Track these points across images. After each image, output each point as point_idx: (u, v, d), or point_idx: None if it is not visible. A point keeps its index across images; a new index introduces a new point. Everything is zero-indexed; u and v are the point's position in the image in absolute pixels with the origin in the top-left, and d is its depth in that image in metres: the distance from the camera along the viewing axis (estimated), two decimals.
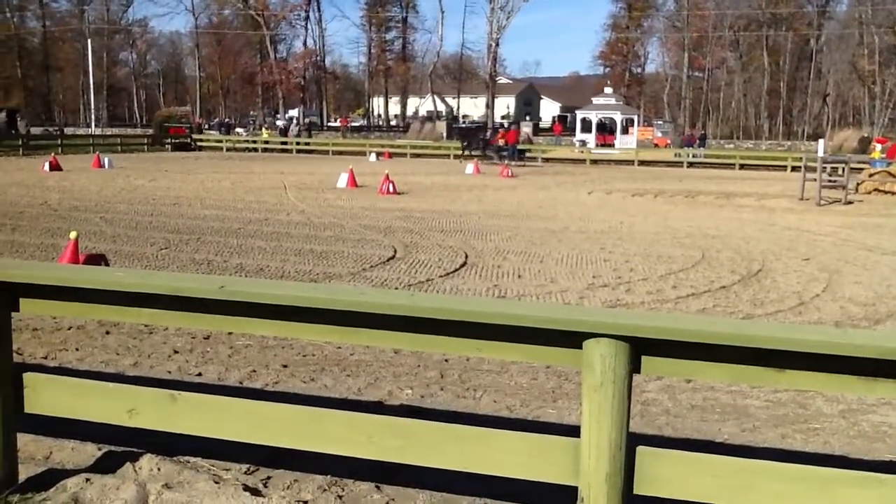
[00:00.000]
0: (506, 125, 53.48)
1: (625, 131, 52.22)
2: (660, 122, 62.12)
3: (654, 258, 11.03)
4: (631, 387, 2.62)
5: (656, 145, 51.57)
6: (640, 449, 2.69)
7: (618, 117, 52.61)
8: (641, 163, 40.54)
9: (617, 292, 8.69)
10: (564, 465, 2.75)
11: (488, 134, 43.51)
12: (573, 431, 3.05)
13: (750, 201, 20.81)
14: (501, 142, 38.92)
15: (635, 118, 55.07)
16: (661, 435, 4.51)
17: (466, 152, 38.97)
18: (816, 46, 74.23)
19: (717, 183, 27.74)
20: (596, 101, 55.74)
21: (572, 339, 2.62)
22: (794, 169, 33.27)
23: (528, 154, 40.22)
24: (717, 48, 76.31)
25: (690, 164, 40.03)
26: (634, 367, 2.61)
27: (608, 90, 57.40)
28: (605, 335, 2.55)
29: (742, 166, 38.88)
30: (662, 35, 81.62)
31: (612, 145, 49.80)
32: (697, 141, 47.72)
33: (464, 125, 48.03)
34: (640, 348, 2.59)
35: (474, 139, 40.84)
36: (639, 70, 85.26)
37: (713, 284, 9.23)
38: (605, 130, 52.60)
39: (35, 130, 53.53)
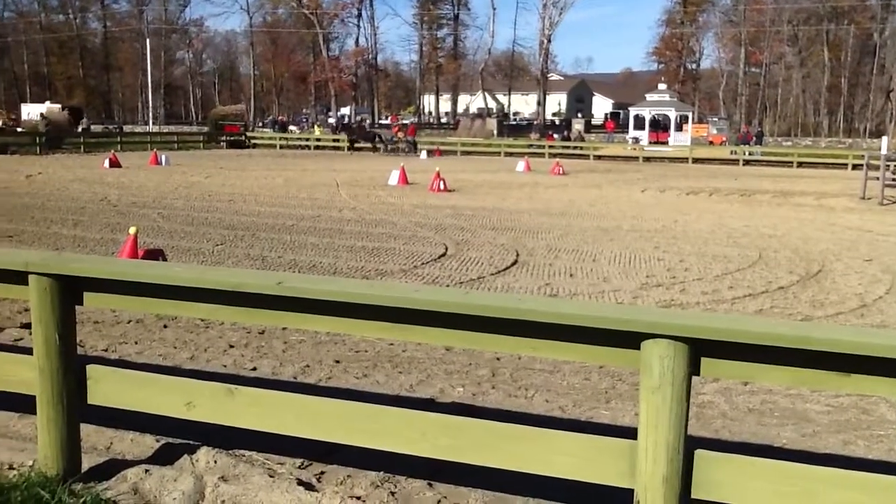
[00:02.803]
0: (407, 122, 58.35)
1: (679, 128, 51.40)
2: (715, 119, 61.00)
3: (709, 258, 10.84)
4: (690, 389, 2.57)
5: (711, 143, 50.65)
6: (699, 452, 2.65)
7: (672, 114, 51.83)
8: (696, 160, 39.89)
9: (671, 292, 8.56)
10: (620, 467, 2.72)
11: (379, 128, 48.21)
12: (627, 433, 3.01)
13: (809, 200, 20.31)
14: (401, 135, 43.99)
15: (690, 115, 54.20)
16: (717, 438, 4.43)
17: (356, 145, 42.84)
18: (879, 41, 71.98)
19: (774, 181, 27.14)
20: (649, 97, 55.03)
21: (630, 340, 2.59)
22: (855, 167, 32.40)
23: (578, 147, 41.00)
24: (774, 43, 74.59)
25: (746, 162, 39.24)
26: (693, 369, 2.56)
27: (662, 86, 56.68)
28: (663, 336, 2.51)
29: (800, 164, 37.99)
30: (718, 30, 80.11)
31: (665, 143, 49.08)
32: (754, 138, 46.74)
33: (349, 123, 50.96)
34: (699, 350, 2.54)
35: (362, 133, 44.14)
36: (694, 66, 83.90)
37: (771, 285, 9.03)
38: (659, 127, 51.84)
39: (95, 128, 55.03)
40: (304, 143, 48.92)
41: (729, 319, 2.95)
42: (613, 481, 2.77)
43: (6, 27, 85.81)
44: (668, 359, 2.52)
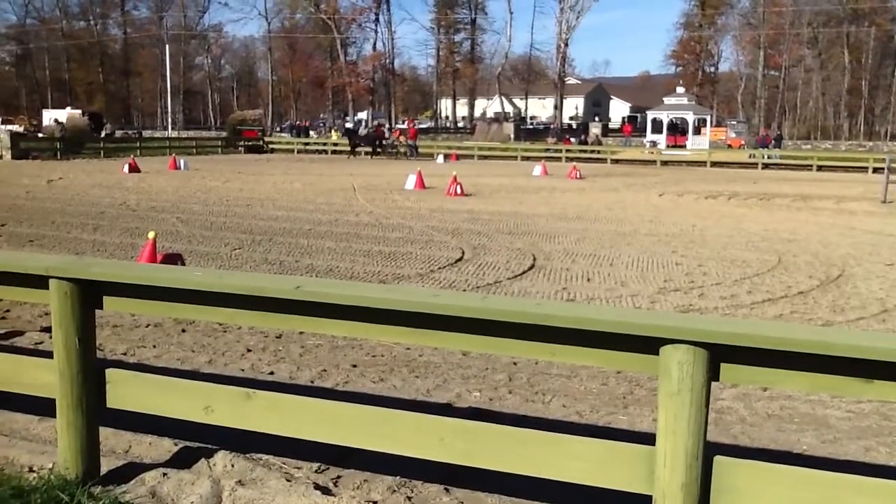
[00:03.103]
0: (405, 126, 57.61)
1: (697, 132, 51.10)
2: (733, 123, 60.60)
3: (727, 262, 10.76)
4: (709, 395, 2.55)
5: (730, 146, 50.31)
6: (718, 459, 2.62)
7: (690, 117, 51.55)
8: (714, 164, 39.65)
9: (689, 297, 8.51)
10: (638, 473, 2.70)
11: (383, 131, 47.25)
12: (645, 439, 2.99)
13: (829, 204, 20.13)
14: (402, 139, 44.07)
15: (708, 118, 53.90)
16: (736, 444, 4.39)
17: (358, 149, 41.99)
18: None
19: (794, 185, 26.93)
20: (667, 100, 54.75)
21: (649, 345, 2.57)
22: (876, 171, 32.04)
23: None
24: (794, 45, 74.12)
25: (765, 166, 38.95)
26: (713, 375, 2.54)
27: (680, 90, 56.29)
28: (683, 341, 2.49)
29: (820, 168, 37.65)
30: (737, 33, 79.72)
31: (683, 146, 48.80)
32: (773, 142, 46.39)
33: (352, 128, 50.89)
34: (719, 355, 2.52)
35: (364, 138, 43.58)
36: (712, 69, 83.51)
37: (790, 290, 8.95)
38: (677, 131, 51.56)
39: (115, 133, 55.49)
40: (321, 147, 49.10)
41: (749, 324, 2.93)
42: (631, 487, 2.75)
43: (28, 34, 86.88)
44: (687, 364, 2.50)
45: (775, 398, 5.28)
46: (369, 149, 41.46)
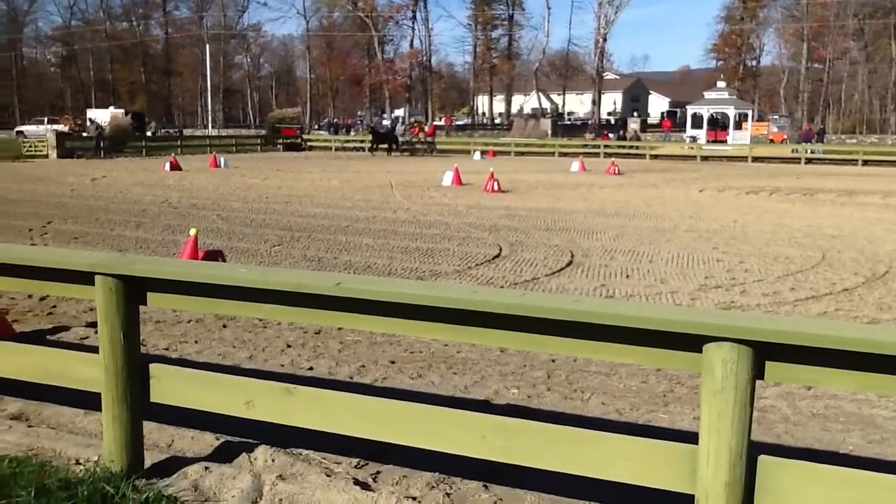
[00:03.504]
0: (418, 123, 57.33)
1: (738, 126, 50.38)
2: (776, 117, 59.65)
3: (770, 258, 10.59)
4: (753, 393, 2.51)
5: (772, 141, 49.57)
6: (762, 458, 2.58)
7: (731, 112, 50.82)
8: (755, 159, 39.07)
9: (731, 294, 8.39)
10: (680, 472, 2.66)
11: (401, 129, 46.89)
12: (685, 437, 2.95)
13: (874, 199, 19.69)
14: (421, 135, 44.20)
15: (749, 113, 53.10)
16: (779, 444, 4.32)
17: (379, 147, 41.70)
18: None
19: (838, 180, 26.40)
20: (708, 95, 54.05)
21: (691, 343, 2.54)
22: None
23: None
24: (838, 38, 72.59)
25: (808, 161, 38.28)
26: (757, 373, 2.50)
27: (721, 84, 55.59)
28: (727, 339, 2.45)
29: (865, 162, 36.91)
30: (779, 25, 78.27)
31: (724, 141, 48.12)
32: (815, 136, 45.54)
33: (374, 125, 50.53)
34: (764, 353, 2.48)
35: (383, 136, 43.33)
36: (754, 63, 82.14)
37: (835, 287, 8.77)
38: (717, 126, 50.88)
39: (159, 132, 56.42)
40: (358, 144, 49.36)
41: (795, 322, 2.88)
42: (673, 486, 2.71)
43: (73, 35, 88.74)
44: (731, 362, 2.46)
45: (820, 397, 5.18)
46: (385, 146, 41.43)
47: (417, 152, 41.86)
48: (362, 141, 50.33)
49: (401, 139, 42.63)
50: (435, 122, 69.91)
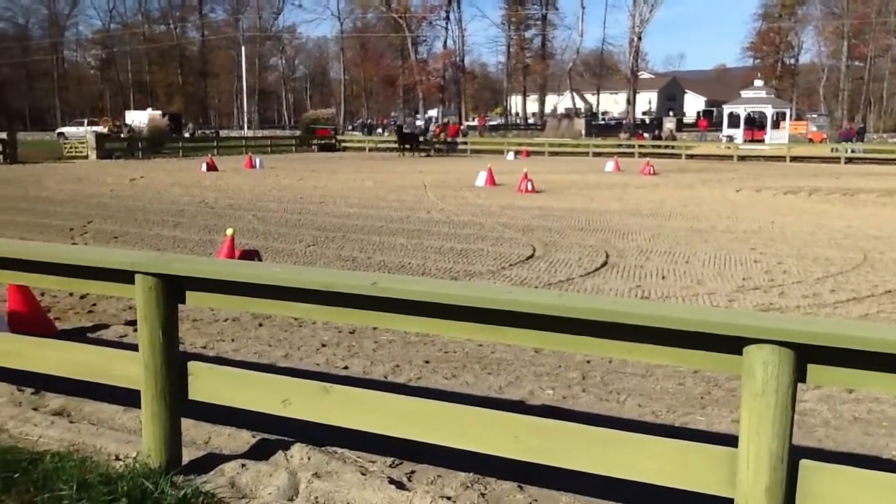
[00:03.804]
0: (441, 124, 57.22)
1: (776, 126, 49.63)
2: (814, 116, 58.64)
3: (809, 260, 10.41)
4: (795, 397, 2.47)
5: (811, 140, 48.71)
6: (804, 462, 2.54)
7: (768, 111, 50.08)
8: (794, 159, 38.47)
9: (769, 296, 8.26)
10: (719, 475, 2.63)
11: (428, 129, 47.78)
12: (724, 440, 2.91)
13: None
14: (442, 136, 45.02)
15: (787, 112, 52.28)
16: (820, 448, 4.24)
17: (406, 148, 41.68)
18: None
19: (879, 180, 25.89)
20: (745, 94, 53.33)
21: (731, 345, 2.50)
22: None
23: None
24: (880, 35, 71.09)
25: (849, 160, 37.58)
26: (799, 376, 2.46)
27: (758, 82, 54.75)
28: (768, 341, 2.42)
29: None
30: (819, 23, 76.91)
31: (761, 141, 47.46)
32: (856, 135, 44.70)
33: (400, 126, 50.15)
34: (805, 356, 2.44)
35: (407, 136, 43.35)
36: (792, 61, 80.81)
37: (877, 289, 8.60)
38: (755, 125, 50.17)
39: (196, 133, 57.17)
40: (391, 145, 49.50)
41: (837, 324, 2.83)
42: (712, 490, 2.68)
43: (112, 38, 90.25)
44: (772, 365, 2.43)
45: (861, 400, 5.08)
46: (408, 146, 41.44)
47: (436, 153, 41.97)
48: (395, 141, 50.60)
49: (422, 138, 42.83)
50: (467, 123, 69.97)
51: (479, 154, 42.90)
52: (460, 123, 69.14)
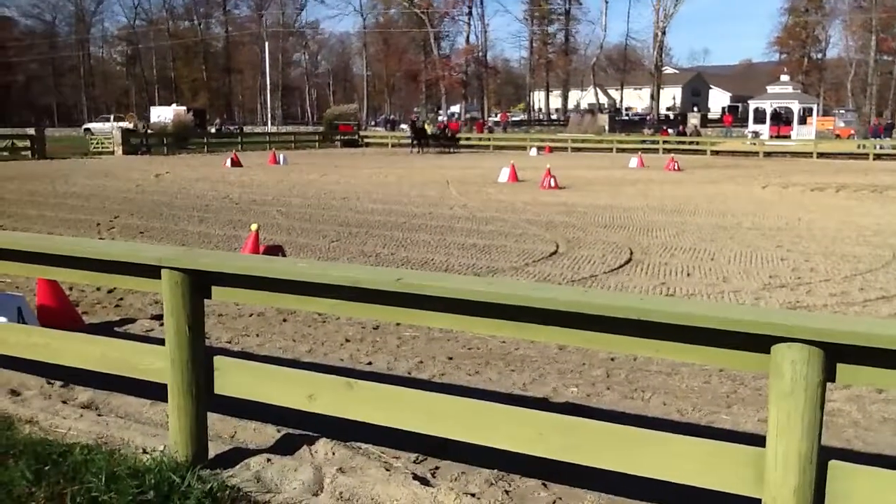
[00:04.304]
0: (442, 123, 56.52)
1: (802, 121, 49.01)
2: (842, 112, 57.84)
3: (836, 257, 10.29)
4: (824, 396, 2.44)
5: (838, 136, 48.05)
6: (833, 463, 2.51)
7: (795, 106, 49.47)
8: (821, 155, 38.03)
9: (796, 293, 8.17)
10: (745, 475, 2.61)
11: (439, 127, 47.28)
12: (751, 439, 2.89)
13: None
14: (448, 132, 44.57)
15: (814, 107, 51.61)
16: (849, 448, 4.19)
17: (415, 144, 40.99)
18: None
19: None
20: (771, 89, 52.70)
21: (759, 343, 2.48)
22: None
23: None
24: None
25: (877, 157, 37.07)
26: (828, 375, 2.43)
27: (784, 77, 54.07)
28: (797, 340, 2.39)
29: None
30: (847, 17, 75.84)
31: (787, 136, 46.90)
32: (884, 131, 44.05)
33: (414, 121, 49.57)
34: (835, 355, 2.41)
35: (422, 135, 42.52)
36: (819, 56, 79.80)
37: None
38: (781, 121, 49.56)
39: (222, 129, 57.60)
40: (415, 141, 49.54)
41: (868, 323, 2.79)
42: (738, 490, 2.66)
43: (138, 35, 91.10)
44: (801, 364, 2.40)
45: (891, 401, 5.01)
46: (416, 141, 41.07)
47: (441, 147, 41.65)
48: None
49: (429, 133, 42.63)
50: (492, 119, 69.78)
51: (501, 150, 42.82)
52: (484, 120, 69.12)
